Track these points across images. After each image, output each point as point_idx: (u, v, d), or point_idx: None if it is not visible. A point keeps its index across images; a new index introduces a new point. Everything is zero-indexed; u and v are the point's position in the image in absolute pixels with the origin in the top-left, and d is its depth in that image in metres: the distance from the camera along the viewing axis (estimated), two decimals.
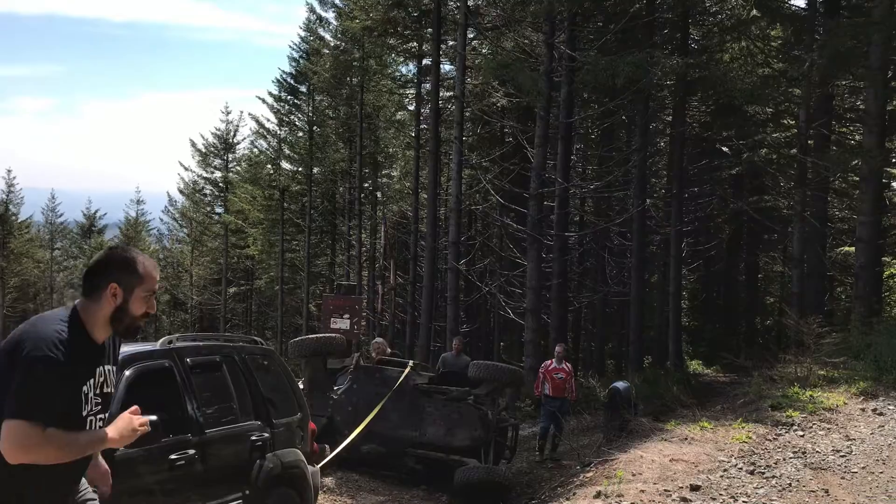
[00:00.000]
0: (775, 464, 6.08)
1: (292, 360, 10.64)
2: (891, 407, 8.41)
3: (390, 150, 36.03)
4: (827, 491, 5.37)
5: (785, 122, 26.83)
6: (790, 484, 5.54)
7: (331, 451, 8.94)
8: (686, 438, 6.99)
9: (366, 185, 37.00)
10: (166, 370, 4.72)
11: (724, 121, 27.64)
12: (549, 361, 12.05)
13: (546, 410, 11.86)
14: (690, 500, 5.16)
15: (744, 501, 5.15)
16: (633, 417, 8.77)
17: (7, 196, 48.12)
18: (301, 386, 10.27)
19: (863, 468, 5.91)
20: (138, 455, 4.19)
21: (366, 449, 9.63)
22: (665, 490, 5.35)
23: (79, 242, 57.05)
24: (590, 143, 29.96)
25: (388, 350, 12.13)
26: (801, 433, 7.15)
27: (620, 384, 9.77)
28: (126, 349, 4.75)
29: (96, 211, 57.10)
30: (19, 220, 49.73)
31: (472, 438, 9.66)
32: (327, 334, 10.29)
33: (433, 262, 24.88)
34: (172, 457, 4.46)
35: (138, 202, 55.32)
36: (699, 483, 5.49)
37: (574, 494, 5.73)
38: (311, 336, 10.29)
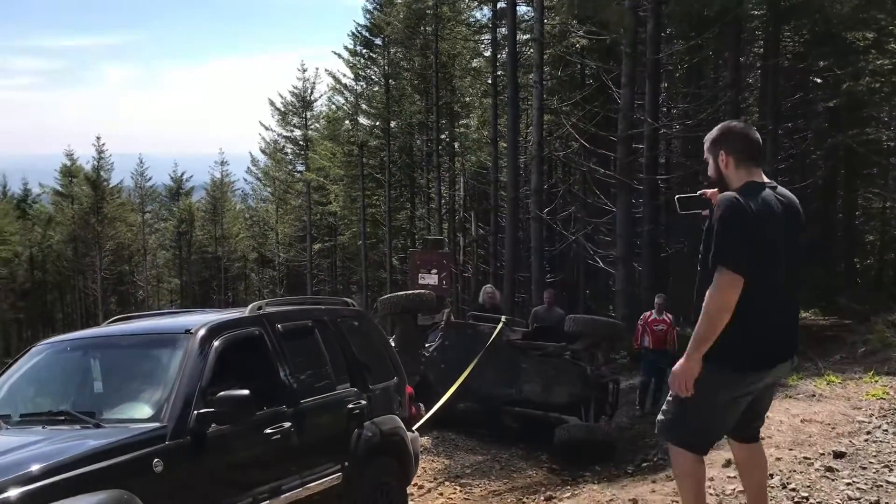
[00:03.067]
0: None
1: (381, 318, 10.39)
2: None
3: (467, 99, 35.29)
4: None
5: (890, 47, 24.93)
6: None
7: (426, 411, 8.71)
8: (814, 395, 6.38)
9: (443, 136, 36.46)
10: (257, 338, 4.43)
11: (820, 50, 25.93)
12: (649, 313, 11.49)
13: (646, 363, 11.35)
14: (837, 470, 4.59)
15: None
16: None
17: (98, 162, 49.42)
18: (392, 344, 10.05)
19: None
20: (230, 432, 3.91)
21: (462, 407, 9.33)
22: (805, 458, 4.79)
23: (167, 205, 58.52)
24: (674, 81, 28.53)
25: (499, 296, 11.87)
26: None
27: None
28: (213, 317, 4.48)
29: (182, 174, 58.40)
30: (111, 186, 51.16)
31: (570, 395, 9.26)
32: (416, 290, 9.99)
33: (515, 211, 24.33)
34: (267, 431, 4.18)
35: (222, 163, 56.25)
36: (842, 449, 4.90)
37: None
38: (400, 293, 10.01)
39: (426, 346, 9.84)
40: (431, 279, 10.74)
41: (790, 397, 6.40)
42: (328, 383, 4.87)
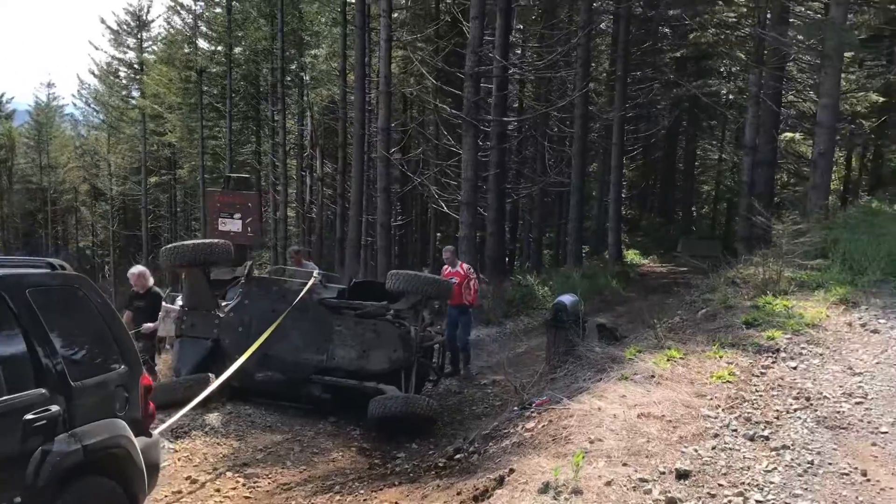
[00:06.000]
0: (777, 419, 4.63)
1: (166, 270, 8.81)
2: (881, 321, 7.13)
3: (315, 27, 33.01)
4: (864, 473, 3.93)
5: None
6: (811, 462, 4.06)
7: (216, 380, 7.33)
8: (653, 376, 5.47)
9: (291, 66, 34.10)
10: None
11: None
12: (445, 267, 10.50)
13: (448, 321, 10.38)
14: (681, 502, 3.61)
15: (757, 501, 3.65)
16: (580, 341, 7.29)
17: None
18: (179, 302, 8.51)
19: (893, 424, 4.51)
20: None
21: (261, 377, 8.00)
22: (640, 479, 3.79)
23: None
24: (528, 21, 27.63)
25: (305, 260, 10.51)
26: (792, 364, 5.73)
27: (567, 298, 8.19)
28: None
29: (2, 94, 52.79)
30: None
31: (390, 361, 8.11)
32: (207, 240, 8.45)
33: (362, 149, 22.84)
34: None
35: (49, 85, 51.40)
36: (686, 464, 3.95)
37: (513, 480, 4.07)
38: (186, 242, 8.44)
39: (222, 305, 8.37)
40: (234, 225, 9.20)
41: (626, 378, 5.48)
42: None
